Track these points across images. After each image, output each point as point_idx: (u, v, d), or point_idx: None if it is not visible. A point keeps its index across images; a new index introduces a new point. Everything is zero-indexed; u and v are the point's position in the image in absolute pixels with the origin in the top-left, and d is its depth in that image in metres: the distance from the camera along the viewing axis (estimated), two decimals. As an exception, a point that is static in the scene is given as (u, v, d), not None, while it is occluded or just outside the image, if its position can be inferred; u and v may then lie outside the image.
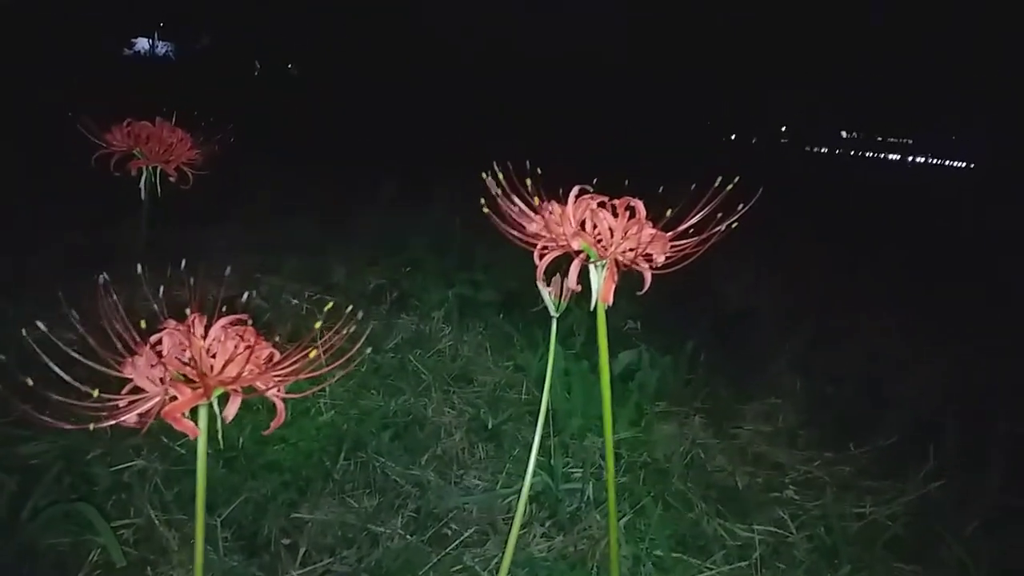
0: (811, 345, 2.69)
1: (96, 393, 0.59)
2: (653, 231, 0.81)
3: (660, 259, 0.82)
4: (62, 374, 0.61)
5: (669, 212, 0.80)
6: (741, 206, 0.82)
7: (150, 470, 1.58)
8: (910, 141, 17.33)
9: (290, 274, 2.94)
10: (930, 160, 17.24)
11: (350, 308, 0.72)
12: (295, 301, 2.59)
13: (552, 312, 1.09)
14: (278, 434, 1.77)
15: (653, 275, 0.87)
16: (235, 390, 0.63)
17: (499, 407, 2.13)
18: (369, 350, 1.68)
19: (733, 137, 13.56)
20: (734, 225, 0.82)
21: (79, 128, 1.26)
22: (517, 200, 0.85)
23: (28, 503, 1.38)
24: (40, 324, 0.64)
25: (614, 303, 0.90)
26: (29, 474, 1.50)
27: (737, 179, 0.84)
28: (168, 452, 1.66)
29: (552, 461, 1.85)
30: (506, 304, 2.82)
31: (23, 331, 0.64)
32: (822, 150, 15.76)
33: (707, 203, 0.84)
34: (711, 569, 1.57)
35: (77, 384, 0.61)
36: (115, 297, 0.64)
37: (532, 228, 0.84)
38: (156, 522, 1.45)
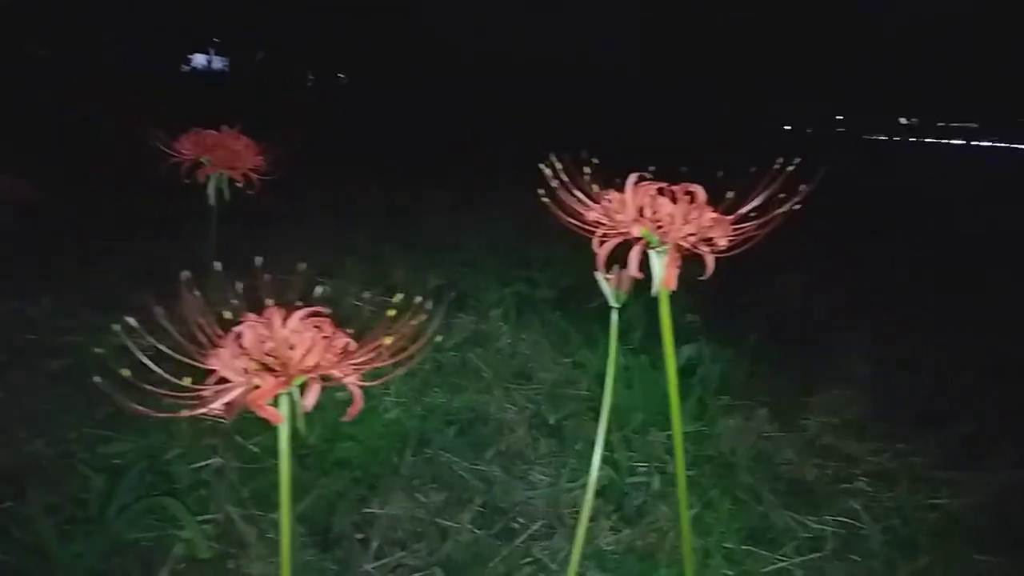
0: (878, 335, 2.63)
1: (188, 381, 0.63)
2: (714, 215, 0.81)
3: (722, 243, 0.82)
4: (152, 366, 0.65)
5: (730, 194, 0.81)
6: (803, 187, 0.82)
7: (227, 468, 1.64)
8: (975, 125, 16.63)
9: (350, 276, 3.01)
10: (996, 144, 16.47)
11: (419, 299, 0.74)
12: (356, 303, 2.64)
13: (612, 303, 1.09)
14: (347, 431, 1.82)
15: (713, 265, 0.87)
16: (314, 379, 0.66)
17: (559, 403, 2.14)
18: (435, 342, 1.71)
19: (789, 128, 13.29)
20: (796, 207, 0.82)
21: (152, 140, 1.33)
22: (574, 189, 0.86)
23: (115, 499, 1.45)
24: (130, 320, 0.67)
25: (673, 298, 0.90)
26: (114, 472, 1.57)
27: (799, 160, 0.83)
28: (243, 451, 1.72)
29: (616, 455, 1.85)
30: (562, 301, 2.83)
31: (116, 326, 0.68)
32: (880, 137, 15.29)
33: (767, 186, 0.83)
34: (783, 560, 1.55)
35: (168, 376, 0.64)
36: (197, 293, 0.67)
37: (591, 216, 0.85)
38: (234, 518, 1.51)
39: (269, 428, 1.79)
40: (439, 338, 0.74)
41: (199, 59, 11.89)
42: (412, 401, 2.05)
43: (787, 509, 1.72)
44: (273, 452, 1.74)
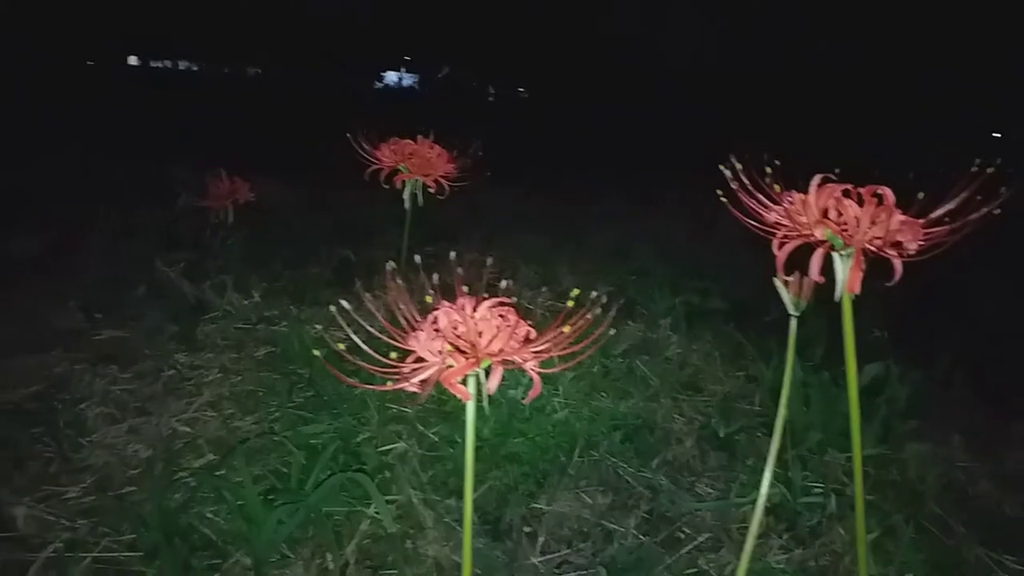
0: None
1: (393, 356, 0.70)
2: (904, 218, 0.78)
3: (912, 247, 0.79)
4: (361, 344, 0.73)
5: (921, 195, 0.77)
6: (1004, 190, 0.77)
7: (410, 453, 1.76)
8: None
9: (523, 279, 3.11)
10: None
11: (595, 294, 0.78)
12: (530, 306, 2.73)
13: (791, 311, 1.07)
14: (517, 428, 1.89)
15: (902, 276, 0.84)
16: (498, 363, 0.72)
17: (730, 416, 2.10)
18: (603, 348, 1.74)
19: (999, 135, 11.99)
20: (995, 212, 0.77)
21: (355, 148, 1.47)
22: (754, 190, 0.86)
23: (312, 475, 1.60)
24: (343, 302, 0.76)
25: (859, 313, 0.87)
26: (312, 451, 1.74)
27: (999, 161, 0.78)
28: (424, 438, 1.84)
29: (790, 473, 1.78)
30: (735, 312, 2.76)
31: (332, 308, 0.77)
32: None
33: (963, 189, 0.79)
34: (975, 599, 1.44)
35: (374, 354, 0.72)
36: (399, 281, 0.75)
37: (771, 218, 0.85)
38: (414, 500, 1.61)
39: (448, 418, 1.90)
40: (612, 331, 0.77)
41: (391, 76, 12.74)
42: (580, 403, 2.09)
43: (981, 545, 1.58)
44: (450, 441, 1.86)
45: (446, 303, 0.74)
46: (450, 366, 0.70)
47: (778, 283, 1.00)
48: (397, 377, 0.72)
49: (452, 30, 10.49)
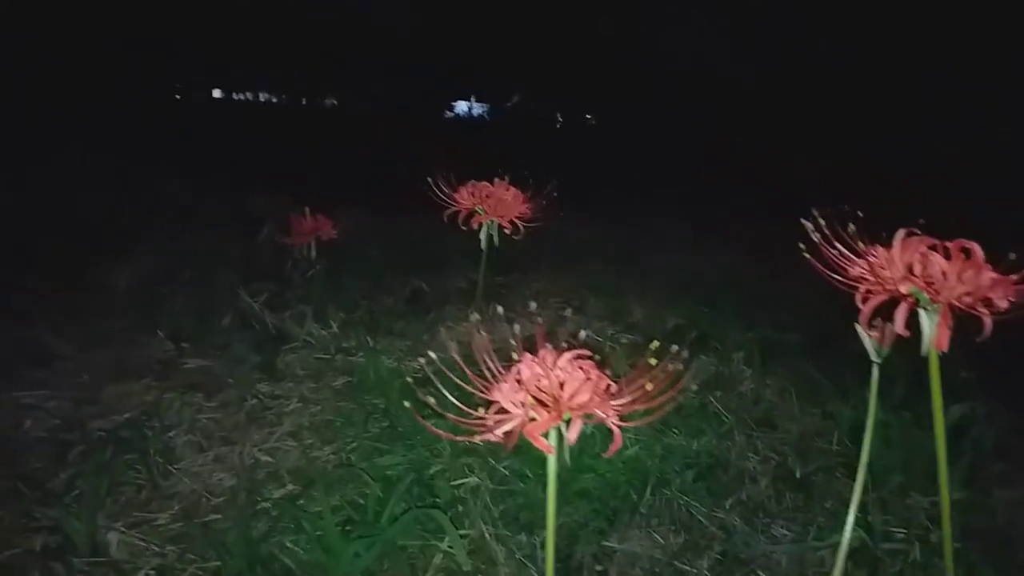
0: None
1: (481, 411, 0.73)
2: (993, 274, 0.77)
3: (1003, 304, 0.77)
4: (448, 395, 0.76)
5: (1012, 256, 0.76)
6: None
7: (482, 487, 1.78)
8: None
9: (592, 311, 3.11)
10: None
11: (675, 348, 0.79)
12: (599, 338, 2.73)
13: (874, 358, 1.05)
14: (588, 463, 1.89)
15: (994, 321, 0.82)
16: (579, 416, 0.73)
17: (807, 456, 2.05)
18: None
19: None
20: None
21: (434, 189, 1.51)
22: (838, 244, 0.86)
23: (387, 507, 1.64)
24: (432, 354, 0.79)
25: (945, 352, 0.86)
26: (387, 482, 1.78)
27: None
28: (495, 472, 1.86)
29: (870, 517, 1.73)
30: (813, 348, 2.69)
31: (419, 360, 0.79)
32: None
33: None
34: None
35: (461, 406, 0.75)
36: (482, 334, 0.78)
37: (854, 272, 0.84)
38: (486, 535, 1.63)
39: (517, 452, 1.91)
40: (693, 387, 0.78)
41: (461, 106, 13.02)
42: (651, 440, 2.07)
43: (1084, 602, 1.50)
44: (521, 476, 1.87)
45: (528, 355, 0.76)
46: (533, 419, 0.72)
47: (861, 331, 0.99)
48: (481, 428, 0.74)
49: (521, 59, 10.66)
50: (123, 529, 1.57)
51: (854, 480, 1.15)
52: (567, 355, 0.75)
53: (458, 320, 2.96)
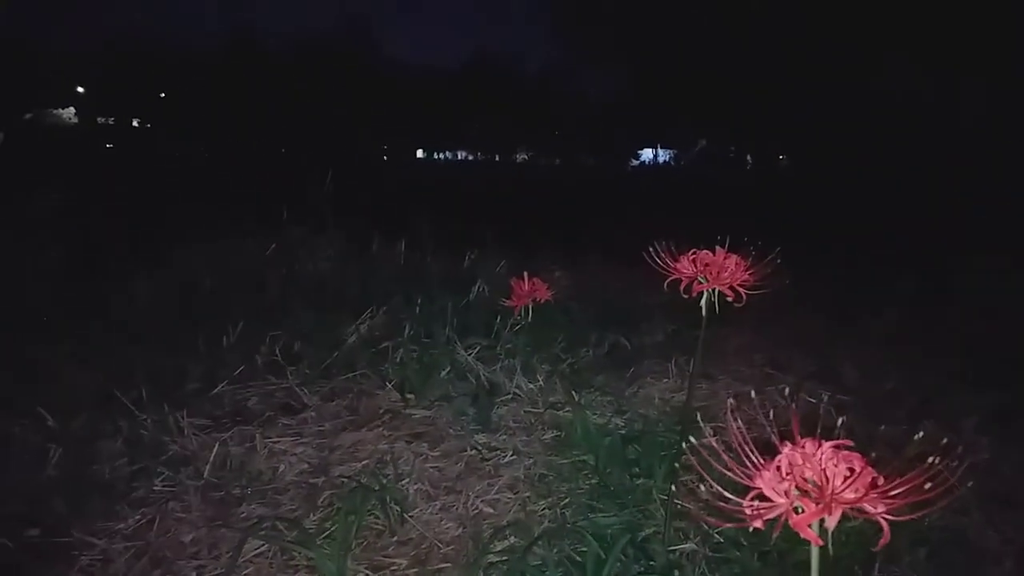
0: None
1: (748, 499, 0.76)
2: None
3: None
4: (724, 492, 0.79)
5: None
6: None
7: (699, 554, 1.77)
8: None
9: (798, 370, 3.00)
10: None
11: (945, 441, 0.78)
12: (812, 399, 2.63)
13: None
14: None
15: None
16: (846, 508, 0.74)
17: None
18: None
19: None
20: None
21: (655, 261, 1.56)
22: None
23: (605, 568, 1.67)
24: (692, 438, 0.84)
25: None
26: (600, 540, 1.81)
27: None
28: (709, 537, 1.84)
29: None
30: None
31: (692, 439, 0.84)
32: None
33: None
34: None
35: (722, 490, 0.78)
36: (739, 422, 0.81)
37: None
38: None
39: (729, 519, 1.88)
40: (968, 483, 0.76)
41: (646, 153, 13.11)
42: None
43: None
44: (735, 543, 1.84)
45: (789, 445, 0.78)
46: (797, 509, 0.74)
47: None
48: (743, 515, 0.77)
49: (708, 104, 10.57)
50: (368, 572, 1.72)
51: None
52: (828, 444, 0.77)
53: (658, 376, 2.98)
